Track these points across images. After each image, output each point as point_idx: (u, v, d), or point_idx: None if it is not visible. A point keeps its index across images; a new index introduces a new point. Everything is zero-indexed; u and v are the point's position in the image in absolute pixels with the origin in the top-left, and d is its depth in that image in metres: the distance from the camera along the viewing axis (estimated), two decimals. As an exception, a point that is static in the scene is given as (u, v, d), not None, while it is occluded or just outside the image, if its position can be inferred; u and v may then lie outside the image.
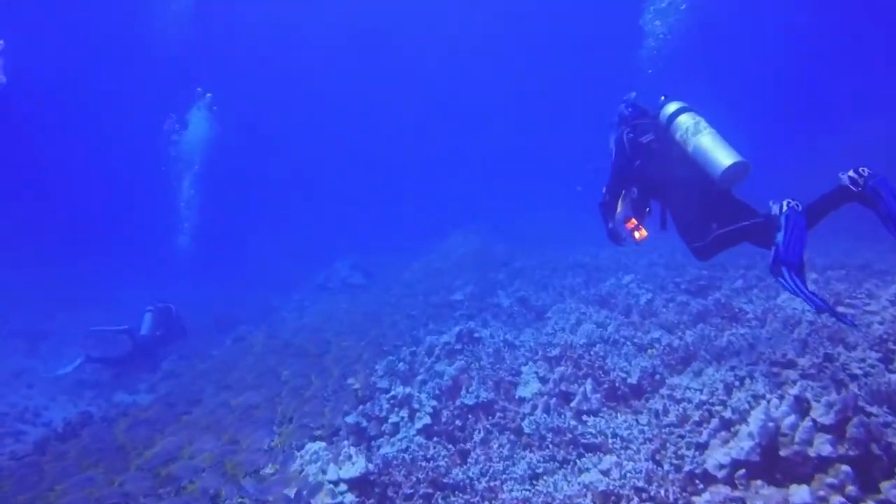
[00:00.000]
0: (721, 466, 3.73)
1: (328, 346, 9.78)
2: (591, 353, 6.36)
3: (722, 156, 5.00)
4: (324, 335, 10.76)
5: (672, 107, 5.60)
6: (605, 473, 4.13)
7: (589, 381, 5.84)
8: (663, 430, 4.53)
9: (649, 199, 5.77)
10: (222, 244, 29.19)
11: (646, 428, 4.82)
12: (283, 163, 47.74)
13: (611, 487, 3.83)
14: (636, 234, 5.81)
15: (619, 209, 6.11)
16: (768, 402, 3.97)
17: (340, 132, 48.40)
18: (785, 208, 4.22)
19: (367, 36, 42.95)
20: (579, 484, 4.12)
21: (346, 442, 5.08)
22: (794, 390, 3.88)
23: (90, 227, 35.13)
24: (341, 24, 41.69)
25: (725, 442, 4.07)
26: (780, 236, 4.19)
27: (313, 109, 47.17)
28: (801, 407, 3.74)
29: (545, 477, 4.51)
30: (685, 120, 5.38)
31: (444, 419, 6.07)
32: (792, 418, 3.63)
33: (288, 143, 47.83)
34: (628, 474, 3.97)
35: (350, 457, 4.68)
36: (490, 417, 6.14)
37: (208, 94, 20.55)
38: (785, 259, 4.18)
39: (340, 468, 4.59)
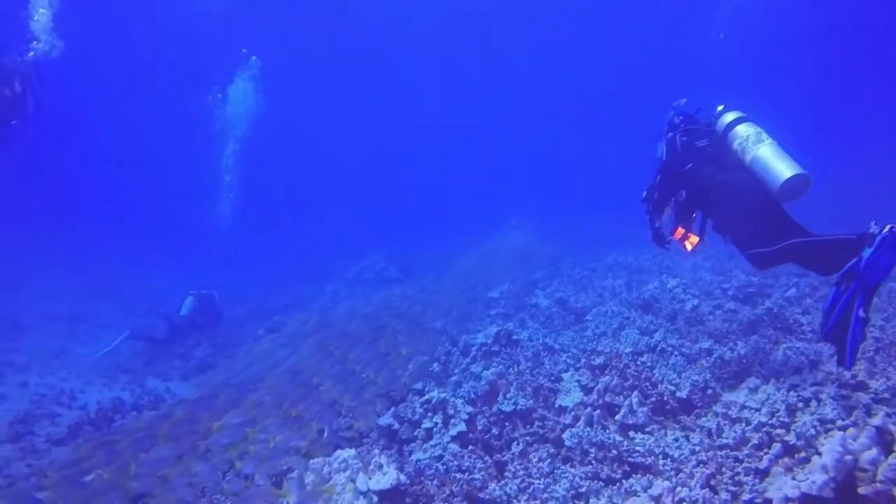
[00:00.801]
0: (788, 500, 3.38)
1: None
2: (638, 362, 6.01)
3: (783, 167, 4.83)
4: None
5: (731, 116, 5.47)
6: (657, 500, 3.80)
7: (635, 393, 5.50)
8: (718, 453, 4.18)
9: (696, 204, 5.61)
10: (256, 232, 29.35)
11: (698, 448, 4.46)
12: (320, 152, 47.66)
13: (665, 518, 3.51)
14: (687, 244, 5.64)
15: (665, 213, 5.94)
16: (845, 431, 3.60)
17: (383, 123, 48.01)
18: (886, 230, 3.85)
19: (414, 25, 42.44)
20: (627, 509, 3.81)
21: (376, 450, 4.82)
22: (875, 420, 3.50)
23: (130, 211, 35.69)
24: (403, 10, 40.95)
25: (789, 470, 3.72)
26: (867, 252, 3.83)
27: (358, 96, 46.65)
28: (884, 439, 3.37)
29: (590, 499, 4.19)
30: (745, 130, 5.23)
31: (479, 426, 5.79)
32: (873, 452, 3.26)
33: (328, 133, 47.65)
34: (683, 503, 3.64)
35: (381, 466, 4.42)
36: (528, 426, 5.85)
37: (253, 58, 20.20)
38: (863, 273, 3.82)
39: (370, 478, 4.34)
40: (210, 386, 9.31)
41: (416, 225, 30.01)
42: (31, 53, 8.90)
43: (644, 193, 6.18)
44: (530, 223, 21.02)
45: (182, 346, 13.65)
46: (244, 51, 20.24)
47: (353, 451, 4.55)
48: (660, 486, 3.90)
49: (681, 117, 5.99)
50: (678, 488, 3.80)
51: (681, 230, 5.69)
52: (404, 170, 47.88)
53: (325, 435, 5.53)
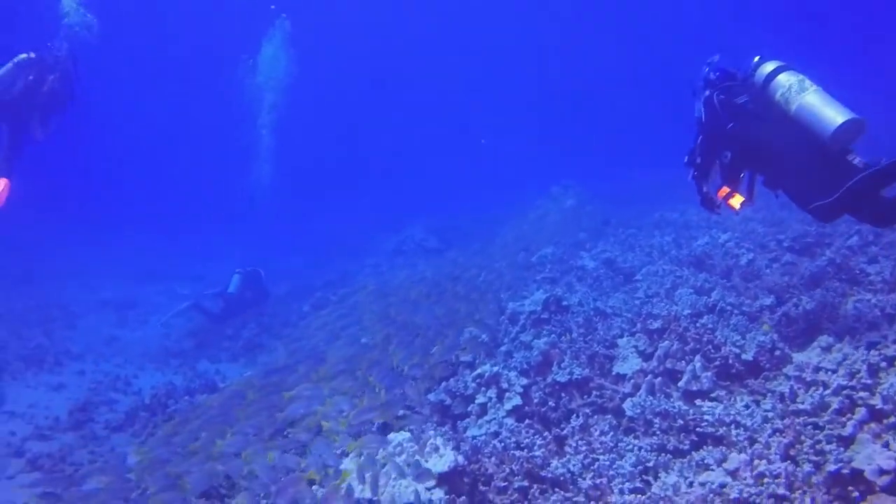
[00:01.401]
0: (882, 472, 3.12)
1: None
2: (698, 325, 5.73)
3: (832, 114, 4.51)
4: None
5: (769, 66, 5.10)
6: (734, 475, 3.57)
7: (698, 357, 5.24)
8: (795, 420, 3.92)
9: (743, 164, 5.33)
10: (291, 207, 29.32)
11: (771, 415, 4.20)
12: (354, 121, 47.05)
13: (745, 495, 3.28)
14: (733, 202, 5.33)
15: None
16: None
17: (419, 90, 47.10)
18: None
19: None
20: (702, 485, 3.58)
21: (431, 431, 4.68)
22: (977, 382, 3.21)
23: (168, 193, 36.12)
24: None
25: (877, 437, 3.45)
26: None
27: (393, 62, 45.81)
28: None
29: (658, 473, 3.98)
30: (786, 79, 4.89)
31: (535, 399, 5.61)
32: (977, 417, 2.98)
33: (361, 101, 46.91)
34: (765, 478, 3.40)
35: (437, 448, 4.28)
36: (585, 396, 5.65)
37: (283, 16, 19.73)
38: None
39: (427, 461, 4.20)
40: (276, 361, 9.28)
41: (454, 195, 29.54)
42: (66, 44, 8.81)
43: (686, 158, 5.85)
44: (569, 186, 20.60)
45: (230, 327, 13.77)
46: (273, 7, 19.71)
47: (407, 434, 4.41)
48: (735, 458, 3.67)
49: (717, 73, 5.62)
50: (756, 461, 3.56)
51: (726, 189, 5.38)
52: (440, 138, 47.10)
53: (395, 407, 5.48)
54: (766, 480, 3.39)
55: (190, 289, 18.10)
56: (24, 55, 8.18)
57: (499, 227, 17.23)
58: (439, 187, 32.89)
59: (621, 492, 3.71)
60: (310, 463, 4.38)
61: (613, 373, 5.84)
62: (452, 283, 10.60)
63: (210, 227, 28.22)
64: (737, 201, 5.33)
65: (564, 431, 4.80)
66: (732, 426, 4.18)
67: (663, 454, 4.23)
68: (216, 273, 17.34)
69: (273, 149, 21.72)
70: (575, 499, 3.80)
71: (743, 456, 3.68)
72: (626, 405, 5.09)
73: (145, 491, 5.28)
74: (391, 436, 4.41)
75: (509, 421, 5.41)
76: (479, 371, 5.84)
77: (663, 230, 12.09)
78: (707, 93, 5.52)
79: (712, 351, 5.35)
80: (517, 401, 5.52)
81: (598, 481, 3.85)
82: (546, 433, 5.03)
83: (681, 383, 5.11)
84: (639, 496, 3.48)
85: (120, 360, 12.19)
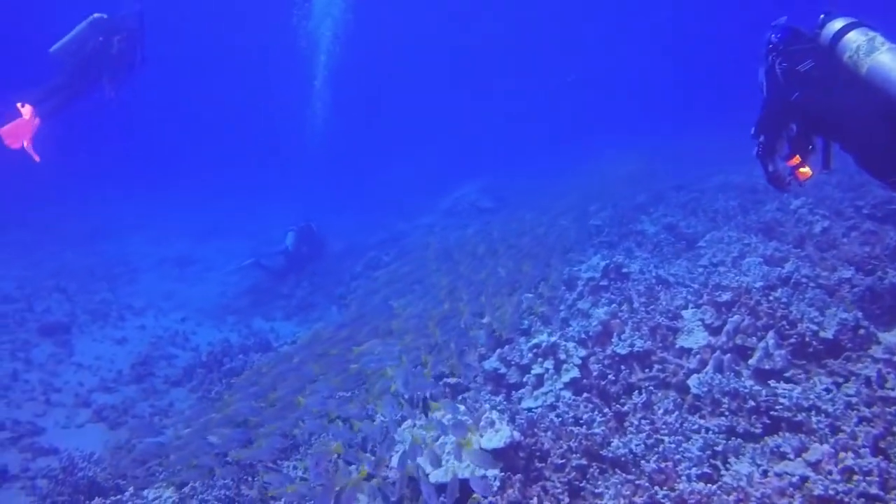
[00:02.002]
0: None
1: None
2: (771, 298, 5.40)
3: None
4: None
5: (837, 24, 4.54)
6: (816, 467, 3.33)
7: (771, 333, 4.94)
8: (886, 409, 3.63)
9: (812, 135, 4.87)
10: (345, 164, 29.30)
11: (855, 401, 3.91)
12: (409, 77, 46.49)
13: (831, 492, 3.04)
14: (800, 173, 4.91)
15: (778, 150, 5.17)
16: None
17: (473, 49, 46.11)
18: None
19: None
20: (779, 477, 3.35)
21: (486, 405, 4.54)
22: None
23: (224, 152, 36.60)
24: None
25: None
26: None
27: (449, 18, 44.95)
28: None
29: (728, 458, 3.76)
30: (855, 38, 4.35)
31: (594, 372, 5.41)
32: None
33: (416, 57, 46.20)
34: (854, 474, 3.15)
35: (493, 423, 4.14)
36: (646, 370, 5.42)
37: None
38: None
39: (482, 436, 4.07)
40: (349, 315, 9.30)
41: (508, 154, 29.05)
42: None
43: (753, 129, 5.42)
44: (624, 145, 19.98)
45: (285, 286, 13.91)
46: None
47: (462, 408, 4.28)
48: (818, 449, 3.42)
49: (778, 36, 5.13)
50: (841, 453, 3.30)
51: (797, 158, 4.96)
52: (492, 98, 46.14)
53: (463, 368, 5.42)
54: (855, 477, 3.13)
55: (247, 246, 18.37)
56: (97, 15, 8.33)
57: (554, 188, 16.86)
58: (495, 146, 32.37)
59: (688, 478, 3.51)
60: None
61: (677, 346, 5.58)
62: (507, 245, 10.37)
63: (265, 184, 28.52)
64: (804, 173, 4.93)
65: (625, 408, 4.59)
66: (812, 412, 3.91)
67: (733, 438, 4.00)
68: (272, 230, 17.49)
69: (326, 101, 21.56)
70: (638, 482, 3.62)
71: (826, 447, 3.42)
72: (692, 382, 4.85)
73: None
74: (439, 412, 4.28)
75: (566, 394, 5.24)
76: (535, 341, 5.66)
77: (727, 194, 11.52)
78: (768, 62, 5.10)
79: (787, 327, 5.03)
80: (575, 373, 5.33)
81: (663, 465, 3.66)
82: (606, 409, 4.84)
83: (752, 361, 4.83)
84: (709, 485, 3.28)
85: (179, 315, 12.45)
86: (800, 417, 3.88)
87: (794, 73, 4.74)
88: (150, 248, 17.92)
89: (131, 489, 4.95)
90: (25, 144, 7.85)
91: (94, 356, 9.83)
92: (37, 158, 7.97)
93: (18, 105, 7.82)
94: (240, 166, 33.28)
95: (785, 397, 4.11)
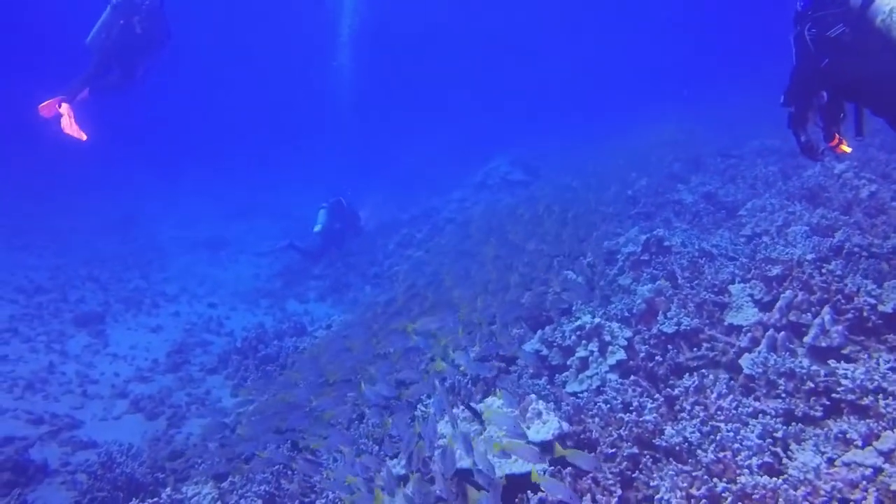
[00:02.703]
0: None
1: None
2: (824, 271, 5.12)
3: None
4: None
5: None
6: (890, 458, 3.10)
7: (826, 308, 4.68)
8: (960, 391, 3.38)
9: (843, 102, 4.67)
10: (376, 139, 29.07)
11: (925, 381, 3.66)
12: (438, 46, 45.55)
13: (912, 488, 2.82)
14: (844, 148, 4.73)
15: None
16: None
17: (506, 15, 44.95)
18: None
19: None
20: (848, 467, 3.13)
21: (533, 395, 4.36)
22: None
23: (254, 134, 36.60)
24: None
25: None
26: None
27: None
28: None
29: (790, 445, 3.54)
30: (887, 0, 4.11)
31: (641, 353, 5.20)
32: None
33: (447, 27, 45.11)
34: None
35: (539, 413, 3.97)
36: (695, 349, 5.20)
37: None
38: None
39: (529, 427, 3.90)
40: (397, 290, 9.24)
41: (539, 126, 28.50)
42: None
43: (783, 98, 5.12)
44: (655, 113, 19.43)
45: (317, 266, 13.85)
46: None
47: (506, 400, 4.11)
48: (891, 437, 3.19)
49: (805, 2, 4.82)
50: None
51: (836, 137, 4.72)
52: (523, 68, 45.13)
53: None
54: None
55: (279, 226, 18.40)
56: None
57: (587, 159, 16.48)
58: (526, 119, 31.85)
59: (749, 469, 3.30)
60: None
61: (725, 323, 5.35)
62: (540, 217, 10.15)
63: (293, 163, 28.49)
64: (840, 148, 4.71)
65: (676, 391, 4.39)
66: (877, 393, 3.66)
67: (793, 423, 3.77)
68: (303, 209, 17.42)
69: (350, 77, 21.31)
70: (695, 473, 3.43)
71: (899, 435, 3.20)
72: (745, 362, 4.62)
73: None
74: (489, 399, 4.12)
75: (613, 377, 5.05)
76: (579, 322, 5.45)
77: (766, 159, 11.10)
78: (797, 28, 4.79)
79: (842, 301, 4.77)
80: (621, 355, 5.13)
81: (721, 455, 3.46)
82: (655, 393, 4.64)
83: (807, 338, 4.58)
84: (774, 478, 3.07)
85: (212, 300, 12.46)
86: (866, 401, 3.64)
87: (823, 39, 4.52)
88: (181, 233, 17.99)
89: (169, 489, 4.86)
90: (68, 129, 8.02)
91: (130, 345, 9.86)
92: (83, 137, 8.13)
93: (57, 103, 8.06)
94: (266, 147, 33.28)
95: (847, 378, 3.87)
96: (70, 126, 8.05)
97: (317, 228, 13.89)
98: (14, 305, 10.75)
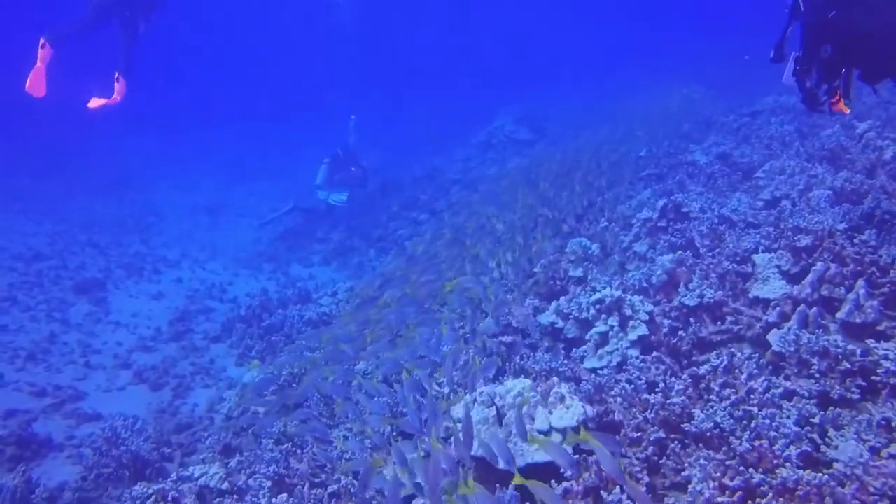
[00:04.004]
0: None
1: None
2: (857, 241, 4.88)
3: None
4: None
5: None
6: (945, 450, 2.92)
7: (860, 282, 4.45)
8: None
9: (846, 58, 4.50)
10: (374, 98, 28.50)
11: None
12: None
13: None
14: (843, 106, 4.57)
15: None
16: None
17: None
18: None
19: None
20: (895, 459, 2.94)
21: (554, 378, 4.16)
22: None
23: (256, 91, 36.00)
24: None
25: None
26: None
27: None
28: None
29: (828, 432, 3.35)
30: None
31: (663, 328, 4.99)
32: None
33: None
34: None
35: (562, 397, 3.77)
36: (718, 323, 4.99)
37: None
38: None
39: (551, 412, 3.71)
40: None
41: (544, 85, 27.77)
42: None
43: (772, 53, 4.91)
44: (660, 71, 18.92)
45: (320, 229, 13.61)
46: None
47: (528, 382, 3.91)
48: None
49: None
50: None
51: (837, 95, 4.55)
52: (527, 24, 43.94)
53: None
54: None
55: (279, 187, 18.09)
56: None
57: (595, 118, 16.08)
58: (531, 77, 31.08)
59: (789, 460, 3.12)
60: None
61: (750, 295, 5.13)
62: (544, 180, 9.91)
63: (292, 123, 28.03)
64: (839, 106, 4.55)
65: (702, 370, 4.18)
66: (922, 377, 3.46)
67: (830, 408, 3.58)
68: (304, 170, 17.09)
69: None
70: (728, 462, 3.25)
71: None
72: (773, 338, 4.41)
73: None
74: (509, 383, 3.92)
75: (634, 353, 4.85)
76: (598, 295, 5.22)
77: (781, 118, 10.72)
78: None
79: (877, 274, 4.55)
80: (643, 330, 4.92)
81: (757, 443, 3.27)
82: (679, 371, 4.44)
83: (840, 314, 4.36)
84: (820, 474, 2.88)
85: (214, 266, 12.26)
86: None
87: None
88: (180, 196, 17.68)
89: (175, 473, 4.71)
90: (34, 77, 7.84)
91: (131, 313, 9.69)
92: (42, 93, 8.01)
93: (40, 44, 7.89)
94: (266, 107, 32.73)
95: (888, 359, 3.66)
96: (37, 74, 7.84)
97: (318, 181, 13.68)
98: (13, 273, 10.54)
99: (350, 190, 13.79)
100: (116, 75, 8.32)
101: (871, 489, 2.80)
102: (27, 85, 7.90)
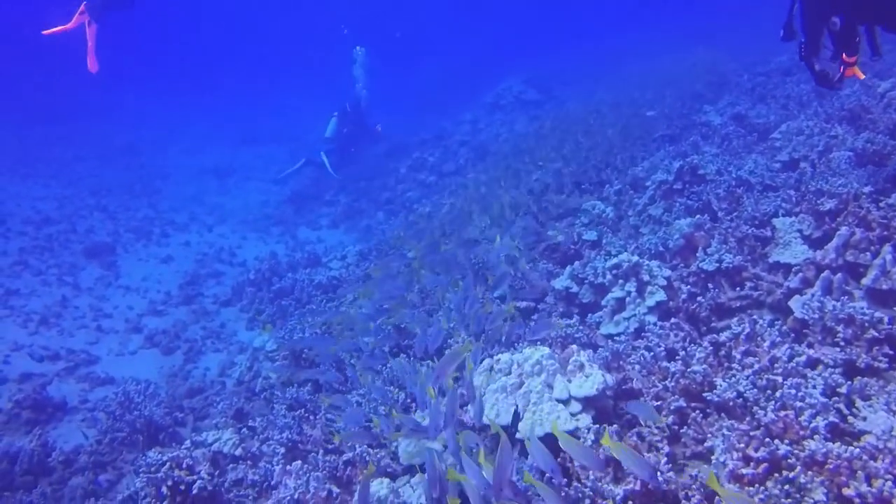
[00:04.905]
0: None
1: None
2: (883, 205, 4.75)
3: None
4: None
5: None
6: (979, 422, 2.84)
7: (887, 247, 4.34)
8: None
9: (856, 24, 4.38)
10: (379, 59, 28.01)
11: None
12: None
13: None
14: (853, 72, 4.47)
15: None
16: None
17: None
18: None
19: None
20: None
21: (573, 345, 4.09)
22: None
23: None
24: None
25: None
26: None
27: None
28: None
29: (855, 402, 3.28)
30: None
31: (682, 294, 4.90)
32: None
33: None
34: None
35: (582, 366, 3.70)
36: (738, 289, 4.90)
37: None
38: None
39: (571, 381, 3.65)
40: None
41: (553, 44, 27.18)
42: None
43: (782, 32, 4.79)
44: (670, 30, 18.48)
45: (327, 192, 13.51)
46: None
47: (547, 350, 3.84)
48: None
49: None
50: None
51: (852, 58, 4.41)
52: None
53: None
54: None
55: (286, 149, 17.96)
56: None
57: (604, 78, 15.79)
58: (540, 37, 30.45)
59: (816, 431, 3.05)
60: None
61: (770, 260, 5.02)
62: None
63: (298, 86, 27.70)
64: (851, 71, 4.45)
65: (722, 337, 4.10)
66: (953, 345, 3.38)
67: (856, 377, 3.50)
68: (313, 132, 16.90)
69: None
70: (753, 433, 3.19)
71: None
72: (795, 304, 4.33)
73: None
74: (527, 351, 3.85)
75: (651, 319, 4.77)
76: (615, 261, 5.13)
77: (798, 76, 10.44)
78: None
79: (904, 239, 4.43)
80: (661, 296, 4.83)
81: (782, 414, 3.21)
82: (699, 338, 4.37)
83: (865, 280, 4.26)
84: (851, 448, 2.81)
85: (223, 229, 12.20)
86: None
87: None
88: (187, 160, 17.54)
89: (188, 440, 4.70)
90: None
91: (142, 277, 9.68)
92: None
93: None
94: (271, 68, 32.33)
95: (917, 326, 3.57)
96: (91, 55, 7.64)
97: (327, 134, 13.58)
98: (23, 237, 10.52)
99: (357, 146, 13.68)
100: (82, 7, 7.79)
101: (904, 462, 2.73)
102: (89, 65, 7.73)
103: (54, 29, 7.52)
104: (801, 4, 4.56)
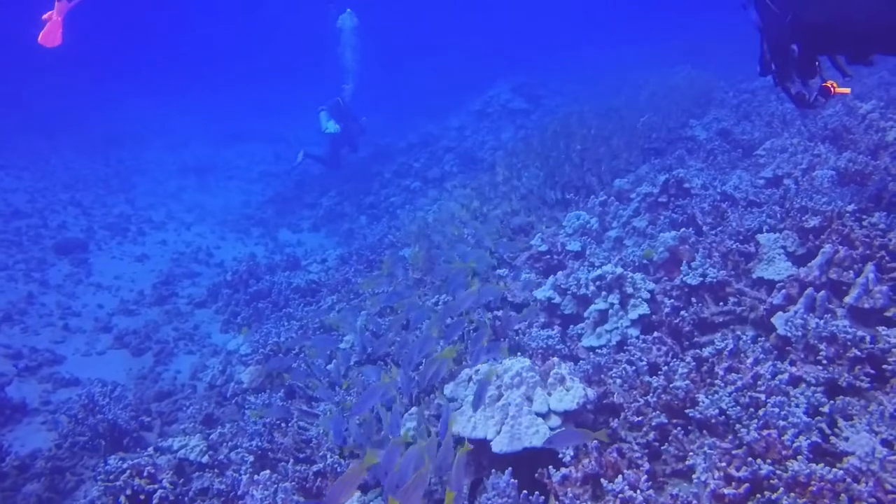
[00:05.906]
0: None
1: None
2: (866, 224, 4.71)
3: None
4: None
5: None
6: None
7: (870, 266, 4.29)
8: None
9: (816, 53, 4.51)
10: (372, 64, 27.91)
11: None
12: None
13: None
14: (839, 91, 4.43)
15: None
16: None
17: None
18: None
19: None
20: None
21: (554, 358, 3.99)
22: None
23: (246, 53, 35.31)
24: None
25: None
26: None
27: None
28: None
29: (836, 421, 3.21)
30: None
31: (665, 308, 4.82)
32: None
33: None
34: None
35: (562, 379, 3.60)
36: (721, 304, 4.84)
37: None
38: None
39: (551, 394, 3.54)
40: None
41: (541, 55, 27.20)
42: None
43: (759, 69, 4.83)
44: (657, 43, 18.54)
45: (308, 194, 13.35)
46: None
47: (527, 362, 3.73)
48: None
49: None
50: None
51: (830, 84, 4.42)
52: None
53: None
54: None
55: (270, 149, 17.78)
56: None
57: (592, 89, 15.78)
58: (528, 47, 30.45)
59: (799, 451, 2.97)
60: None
61: (754, 276, 4.97)
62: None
63: (292, 81, 27.54)
64: (835, 90, 4.40)
65: (706, 353, 4.03)
66: (937, 367, 3.32)
67: (838, 396, 3.43)
68: (299, 132, 16.72)
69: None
70: (735, 452, 3.10)
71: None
72: (778, 321, 4.26)
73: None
74: (507, 362, 3.74)
75: (634, 332, 4.68)
76: (598, 272, 5.04)
77: (780, 95, 10.47)
78: None
79: (887, 259, 4.39)
80: (644, 309, 4.75)
81: (765, 433, 3.13)
82: (682, 354, 4.29)
83: (848, 298, 4.21)
84: (833, 469, 2.73)
85: (201, 228, 11.99)
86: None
87: None
88: (169, 156, 17.28)
89: (151, 448, 4.53)
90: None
91: (114, 275, 9.45)
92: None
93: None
94: (258, 69, 32.15)
95: (901, 347, 3.52)
96: (53, 25, 7.36)
97: (330, 129, 13.17)
98: (-10, 230, 10.25)
99: (344, 146, 13.53)
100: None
101: (889, 486, 2.65)
102: (40, 36, 7.41)
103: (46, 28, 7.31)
104: (764, 35, 4.67)
